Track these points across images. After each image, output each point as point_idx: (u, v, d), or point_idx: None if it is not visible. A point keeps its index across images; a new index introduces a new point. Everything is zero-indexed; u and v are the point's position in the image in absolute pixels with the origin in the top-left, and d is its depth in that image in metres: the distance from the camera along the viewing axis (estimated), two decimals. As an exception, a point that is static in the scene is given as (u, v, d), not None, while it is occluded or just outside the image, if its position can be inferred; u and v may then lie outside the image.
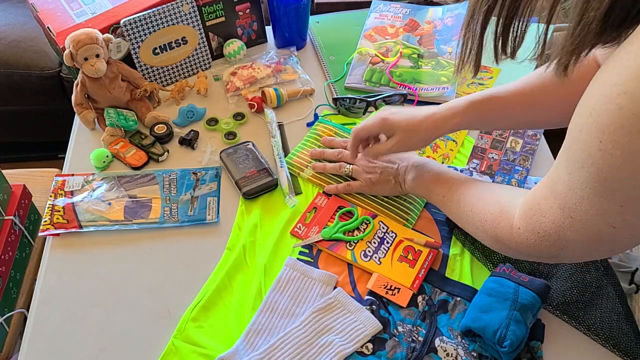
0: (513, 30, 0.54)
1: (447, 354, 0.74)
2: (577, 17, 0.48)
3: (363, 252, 0.85)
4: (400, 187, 0.88)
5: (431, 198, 0.84)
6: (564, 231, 0.57)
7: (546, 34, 0.52)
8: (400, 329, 0.77)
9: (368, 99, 1.05)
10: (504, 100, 0.81)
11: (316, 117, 1.08)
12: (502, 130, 1.02)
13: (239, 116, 1.07)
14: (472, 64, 0.60)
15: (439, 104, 1.09)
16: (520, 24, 0.53)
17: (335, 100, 1.08)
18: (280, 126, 1.06)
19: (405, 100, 1.08)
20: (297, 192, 0.95)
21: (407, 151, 0.89)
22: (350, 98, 1.06)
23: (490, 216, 0.69)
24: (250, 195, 0.92)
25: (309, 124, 1.06)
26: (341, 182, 0.94)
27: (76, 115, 1.06)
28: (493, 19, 0.55)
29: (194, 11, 1.08)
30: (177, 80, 1.15)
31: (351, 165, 0.92)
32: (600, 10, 0.46)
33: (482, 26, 0.56)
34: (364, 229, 0.87)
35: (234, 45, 1.16)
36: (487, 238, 0.71)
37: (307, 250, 0.86)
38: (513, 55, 0.56)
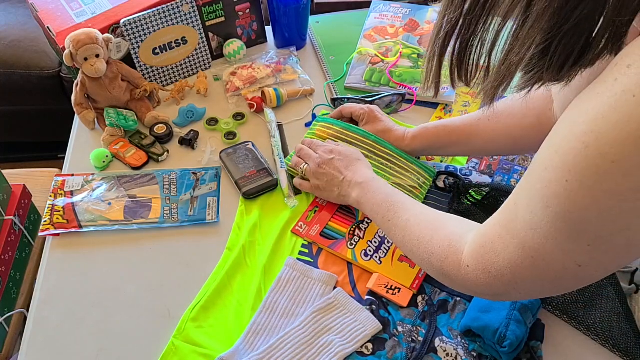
0: (467, 60, 0.53)
1: (447, 354, 0.74)
2: (503, 58, 0.48)
3: (364, 252, 0.85)
4: (344, 200, 0.86)
5: (375, 220, 0.79)
6: (522, 271, 0.55)
7: (488, 66, 0.51)
8: (400, 329, 0.77)
9: (367, 99, 1.05)
10: (450, 129, 0.89)
11: (314, 117, 1.08)
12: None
13: (238, 116, 1.07)
14: (433, 84, 0.59)
15: (438, 104, 1.10)
16: (475, 54, 0.52)
17: (333, 100, 1.08)
18: (280, 126, 1.06)
19: (404, 100, 1.08)
20: (297, 193, 0.95)
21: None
22: (349, 98, 1.06)
23: (437, 250, 0.66)
24: (250, 195, 0.92)
25: (307, 125, 1.06)
26: None
27: (76, 115, 1.06)
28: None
29: (194, 11, 1.08)
30: (177, 80, 1.15)
31: (306, 165, 0.90)
32: (519, 56, 0.46)
33: (441, 51, 0.55)
34: (365, 229, 0.88)
35: (234, 45, 1.16)
36: (433, 272, 0.68)
37: (307, 250, 0.87)
38: (467, 83, 0.55)
